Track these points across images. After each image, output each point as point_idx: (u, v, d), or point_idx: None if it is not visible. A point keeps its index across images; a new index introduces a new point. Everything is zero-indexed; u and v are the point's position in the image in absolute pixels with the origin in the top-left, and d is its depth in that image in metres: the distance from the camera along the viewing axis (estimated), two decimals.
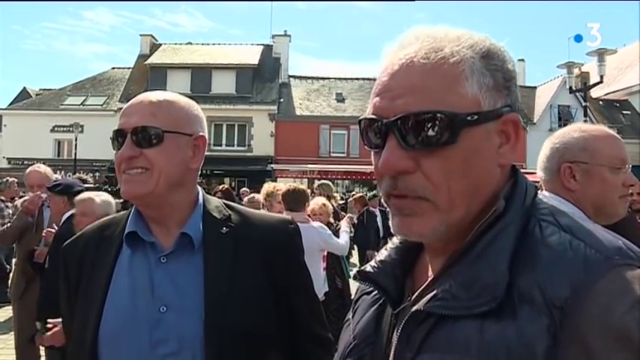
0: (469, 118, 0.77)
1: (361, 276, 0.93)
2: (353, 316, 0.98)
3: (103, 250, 1.42)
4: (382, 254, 0.94)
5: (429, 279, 0.84)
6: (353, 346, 0.91)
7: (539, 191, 0.86)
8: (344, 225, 5.75)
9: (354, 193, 15.37)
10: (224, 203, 1.51)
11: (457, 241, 0.81)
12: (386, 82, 0.82)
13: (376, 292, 0.92)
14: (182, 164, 1.38)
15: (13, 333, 5.02)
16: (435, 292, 0.78)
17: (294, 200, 4.69)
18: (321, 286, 4.82)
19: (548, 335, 0.67)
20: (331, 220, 6.14)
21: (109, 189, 6.62)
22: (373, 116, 0.82)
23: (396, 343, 0.81)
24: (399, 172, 0.79)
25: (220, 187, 7.84)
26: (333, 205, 7.64)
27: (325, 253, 5.04)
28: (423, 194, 0.78)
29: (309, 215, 5.26)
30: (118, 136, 1.35)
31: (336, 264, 5.71)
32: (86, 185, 6.69)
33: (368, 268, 0.93)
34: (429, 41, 0.81)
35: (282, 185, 5.33)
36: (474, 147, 0.78)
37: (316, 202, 5.71)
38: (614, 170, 1.69)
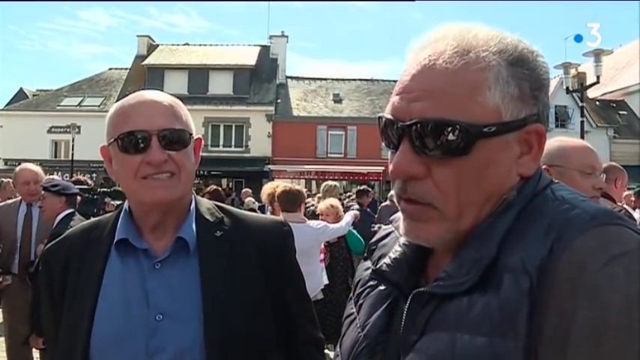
0: (485, 129, 0.75)
1: (376, 275, 0.92)
2: (358, 313, 0.95)
3: (89, 255, 1.36)
4: (396, 251, 0.92)
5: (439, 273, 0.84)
6: (364, 345, 0.88)
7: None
8: (347, 214, 5.73)
9: (350, 194, 15.33)
10: (215, 205, 1.48)
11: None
12: (406, 83, 0.80)
13: (383, 287, 0.91)
14: (194, 166, 1.37)
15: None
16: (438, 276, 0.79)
17: (289, 201, 4.68)
18: (319, 280, 4.81)
19: (528, 299, 0.66)
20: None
21: (107, 190, 6.62)
22: (390, 117, 0.80)
23: (403, 327, 0.80)
24: (409, 177, 0.78)
25: (208, 188, 7.71)
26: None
27: (323, 246, 5.03)
28: (431, 201, 0.77)
29: (319, 215, 5.26)
30: (135, 139, 1.27)
31: (348, 265, 5.70)
32: (84, 187, 6.70)
33: (383, 266, 0.91)
34: (456, 42, 0.78)
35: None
36: (489, 158, 0.76)
37: (325, 202, 5.74)
38: (584, 175, 1.98)
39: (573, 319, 0.63)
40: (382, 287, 0.91)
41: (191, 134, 1.35)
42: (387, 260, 0.92)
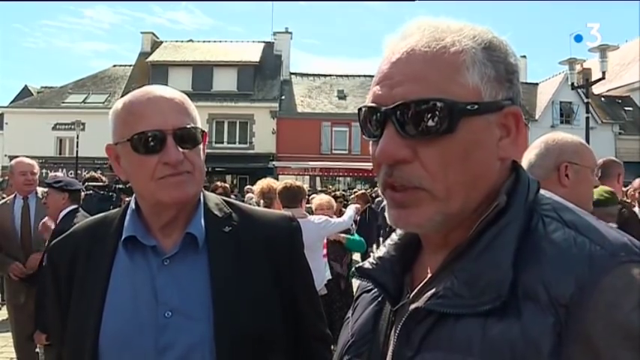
0: (469, 107, 0.76)
1: (360, 273, 0.92)
2: (352, 314, 0.97)
3: (96, 252, 1.35)
4: (381, 251, 0.93)
5: (429, 276, 0.83)
6: (351, 343, 0.91)
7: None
8: (349, 208, 5.72)
9: (355, 190, 15.35)
10: (223, 200, 1.47)
11: (456, 235, 0.80)
12: (386, 71, 0.81)
13: (375, 289, 0.91)
14: (204, 162, 1.37)
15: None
16: (435, 289, 0.77)
17: (290, 197, 4.68)
18: (323, 275, 4.81)
19: (553, 334, 0.66)
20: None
21: (123, 187, 6.61)
22: (372, 104, 0.80)
23: (395, 341, 0.80)
24: (396, 161, 0.78)
25: (219, 183, 7.77)
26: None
27: (325, 240, 5.03)
28: (419, 184, 0.77)
29: (315, 209, 5.27)
30: (150, 139, 1.25)
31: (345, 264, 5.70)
32: (99, 184, 6.71)
33: (366, 264, 0.92)
34: (430, 31, 0.80)
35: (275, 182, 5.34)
36: (473, 137, 0.77)
37: (322, 197, 5.74)
38: (592, 173, 1.98)
39: (609, 358, 0.63)
40: (374, 290, 0.92)
41: (203, 131, 1.35)
42: (371, 259, 0.92)
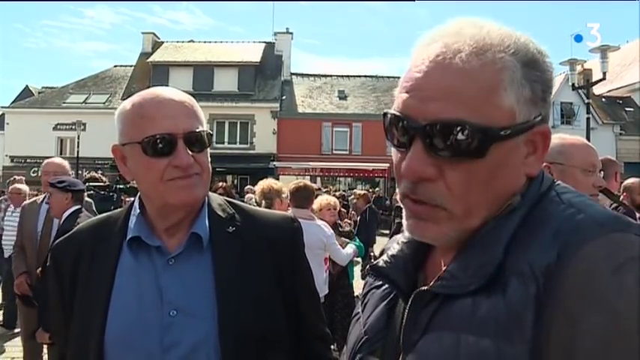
0: (502, 132, 0.74)
1: (374, 271, 0.92)
2: (363, 311, 0.97)
3: (100, 252, 1.36)
4: (394, 248, 0.93)
5: (441, 272, 0.83)
6: (364, 340, 0.91)
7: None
8: (349, 247, 5.70)
9: (355, 190, 15.36)
10: (226, 200, 1.48)
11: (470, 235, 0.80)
12: (418, 79, 0.77)
13: (386, 285, 0.92)
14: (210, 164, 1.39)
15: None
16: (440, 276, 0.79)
17: (304, 197, 4.72)
18: (322, 286, 4.80)
19: (535, 304, 0.66)
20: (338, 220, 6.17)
21: (123, 187, 6.62)
22: (400, 114, 0.78)
23: (404, 326, 0.81)
24: (421, 179, 0.77)
25: (221, 184, 7.79)
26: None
27: (327, 256, 5.02)
28: (440, 203, 0.77)
29: (319, 210, 5.30)
30: (161, 142, 1.26)
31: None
32: (100, 184, 6.72)
33: (380, 262, 0.92)
34: (472, 40, 0.76)
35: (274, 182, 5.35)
36: (501, 161, 0.76)
37: (326, 198, 5.77)
38: (585, 172, 2.01)
39: (582, 326, 0.62)
40: (385, 286, 0.92)
41: (210, 134, 1.36)
42: (384, 257, 0.93)
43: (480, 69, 0.74)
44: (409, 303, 0.81)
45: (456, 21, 0.81)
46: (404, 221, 0.83)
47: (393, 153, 0.83)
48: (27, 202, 5.40)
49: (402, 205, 0.84)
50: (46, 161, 5.12)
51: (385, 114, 0.82)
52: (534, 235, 0.73)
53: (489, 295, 0.71)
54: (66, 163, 5.09)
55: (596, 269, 0.64)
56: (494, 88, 0.74)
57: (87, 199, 4.95)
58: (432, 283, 0.79)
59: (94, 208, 4.95)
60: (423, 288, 0.79)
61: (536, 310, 0.66)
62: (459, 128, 0.73)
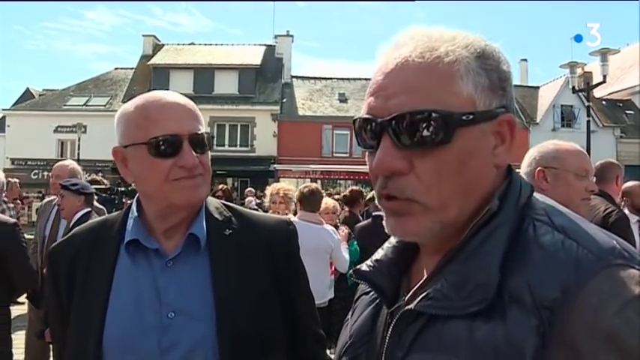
0: (464, 117, 0.76)
1: (357, 274, 0.93)
2: (351, 315, 0.98)
3: (98, 255, 1.37)
4: (378, 253, 0.94)
5: (424, 278, 0.84)
6: (349, 345, 0.92)
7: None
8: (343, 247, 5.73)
9: (351, 189, 15.30)
10: (223, 204, 1.50)
11: (453, 240, 0.80)
12: (380, 82, 0.81)
13: (373, 291, 0.92)
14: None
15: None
16: (426, 291, 0.78)
17: (314, 202, 4.72)
18: (327, 291, 4.81)
19: (536, 336, 0.66)
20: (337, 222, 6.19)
21: (125, 190, 6.64)
22: (368, 116, 0.81)
23: (388, 341, 0.81)
24: (392, 173, 0.78)
25: (221, 186, 7.79)
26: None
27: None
28: (411, 196, 0.78)
29: (320, 213, 5.31)
30: (168, 143, 1.29)
31: None
32: (101, 186, 6.73)
33: (364, 267, 0.93)
34: (423, 41, 0.81)
35: (283, 185, 5.34)
36: (468, 147, 0.77)
37: (327, 202, 5.77)
38: (578, 177, 2.10)
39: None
40: (373, 292, 0.93)
41: (211, 136, 1.39)
42: (368, 262, 0.93)
43: (436, 62, 0.78)
44: (394, 321, 0.81)
45: (408, 30, 0.85)
46: (384, 223, 0.84)
47: (367, 158, 0.84)
48: (44, 201, 5.34)
49: (379, 206, 0.84)
50: (57, 164, 5.09)
51: (355, 120, 0.84)
52: (529, 258, 0.73)
53: (488, 320, 0.70)
54: (77, 166, 5.08)
55: (602, 306, 0.65)
56: (451, 77, 0.78)
57: (98, 204, 4.92)
58: (419, 299, 0.78)
59: (105, 214, 4.93)
60: (411, 307, 0.78)
61: (538, 344, 0.66)
62: (422, 117, 0.75)
